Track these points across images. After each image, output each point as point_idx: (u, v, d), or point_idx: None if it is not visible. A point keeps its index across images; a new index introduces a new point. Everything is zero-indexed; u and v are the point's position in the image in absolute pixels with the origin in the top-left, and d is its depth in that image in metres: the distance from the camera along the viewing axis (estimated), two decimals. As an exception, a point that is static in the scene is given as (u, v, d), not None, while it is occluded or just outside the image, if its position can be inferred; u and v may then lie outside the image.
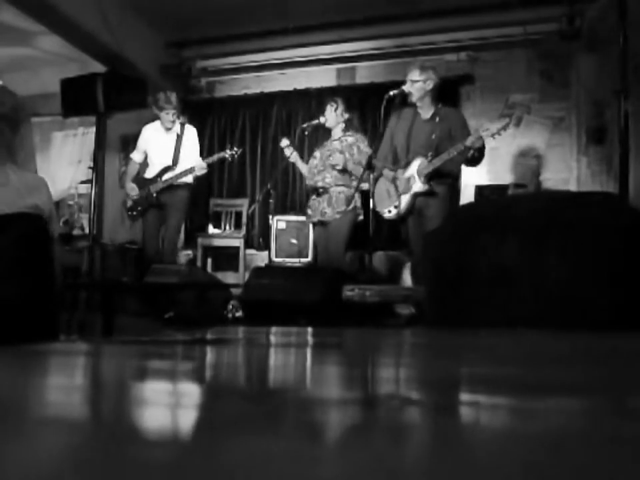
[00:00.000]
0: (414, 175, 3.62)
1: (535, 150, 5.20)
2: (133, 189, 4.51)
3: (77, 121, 6.32)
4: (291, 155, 4.37)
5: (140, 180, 4.57)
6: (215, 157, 4.58)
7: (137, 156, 4.71)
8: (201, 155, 4.68)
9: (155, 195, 4.46)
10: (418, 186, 3.60)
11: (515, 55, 5.23)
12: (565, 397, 0.49)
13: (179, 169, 4.47)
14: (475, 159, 3.55)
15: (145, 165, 4.66)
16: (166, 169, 4.49)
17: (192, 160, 4.51)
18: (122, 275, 4.89)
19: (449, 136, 3.57)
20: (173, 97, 4.47)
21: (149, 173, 4.57)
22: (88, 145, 6.30)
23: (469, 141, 3.39)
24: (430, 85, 3.65)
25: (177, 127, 4.55)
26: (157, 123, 4.60)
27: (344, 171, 4.11)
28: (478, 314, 1.64)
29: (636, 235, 1.56)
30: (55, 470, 0.25)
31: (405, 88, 3.66)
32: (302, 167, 4.44)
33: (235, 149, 4.57)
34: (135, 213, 4.53)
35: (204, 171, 4.50)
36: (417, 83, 3.64)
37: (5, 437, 0.31)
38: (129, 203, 4.54)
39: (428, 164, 3.56)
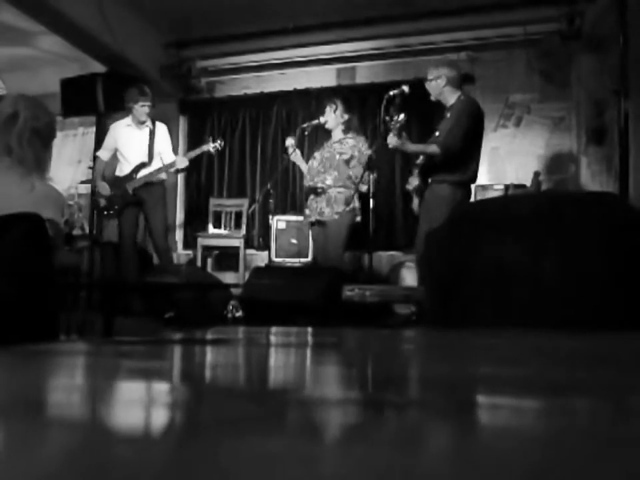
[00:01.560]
0: (411, 174, 3.73)
1: (534, 150, 5.20)
2: (104, 188, 4.42)
3: (77, 121, 6.33)
4: (293, 153, 4.38)
5: (113, 178, 4.48)
6: (198, 150, 4.54)
7: (104, 154, 4.59)
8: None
9: (132, 192, 4.38)
10: (410, 185, 3.71)
11: (515, 55, 5.23)
12: (565, 396, 0.49)
13: (154, 166, 4.40)
14: (430, 159, 3.54)
15: (114, 163, 4.57)
16: (141, 166, 4.41)
17: (166, 156, 4.46)
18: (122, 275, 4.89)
19: (452, 127, 3.51)
20: (147, 90, 4.40)
21: (122, 171, 4.47)
22: (88, 145, 6.30)
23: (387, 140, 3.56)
24: (443, 82, 3.61)
25: (149, 123, 4.46)
26: (128, 119, 4.49)
27: (347, 171, 4.16)
28: (478, 314, 1.64)
29: (636, 235, 1.56)
30: (55, 470, 0.25)
31: (426, 87, 3.69)
32: (302, 166, 4.46)
33: (218, 141, 4.53)
34: (111, 212, 4.43)
35: (185, 164, 4.44)
36: (431, 82, 3.65)
37: (5, 437, 0.31)
38: (103, 202, 4.44)
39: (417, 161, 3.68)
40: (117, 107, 4.70)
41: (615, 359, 0.82)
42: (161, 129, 4.54)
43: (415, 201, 3.75)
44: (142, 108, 4.37)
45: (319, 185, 4.21)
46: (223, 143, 4.58)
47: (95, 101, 4.61)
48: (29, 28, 5.29)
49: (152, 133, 4.44)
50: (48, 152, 1.91)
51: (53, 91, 5.03)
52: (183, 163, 4.42)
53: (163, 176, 4.48)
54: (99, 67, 5.19)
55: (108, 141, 4.59)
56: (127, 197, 4.38)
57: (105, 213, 4.46)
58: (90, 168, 5.56)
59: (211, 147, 4.48)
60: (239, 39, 5.68)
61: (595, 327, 1.38)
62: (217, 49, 5.89)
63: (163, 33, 5.69)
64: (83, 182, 6.50)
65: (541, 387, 0.53)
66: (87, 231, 5.52)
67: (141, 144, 4.44)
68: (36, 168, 1.84)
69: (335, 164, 4.18)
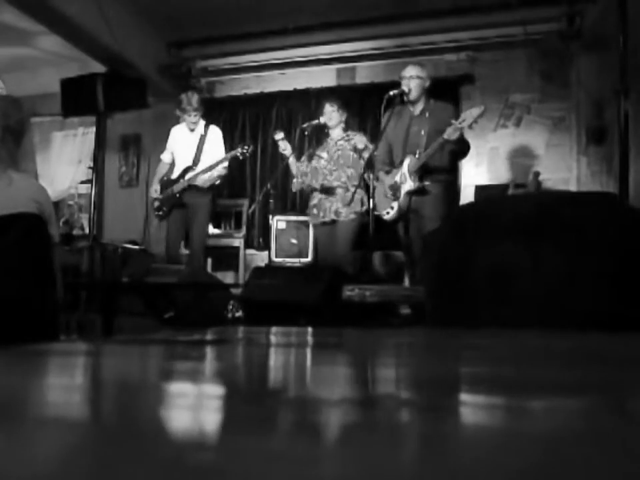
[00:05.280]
0: (405, 174, 3.62)
1: (534, 150, 5.20)
2: (156, 190, 4.60)
3: (76, 121, 6.33)
4: (286, 148, 4.33)
5: (165, 181, 4.65)
6: (228, 155, 4.60)
7: (165, 156, 4.77)
8: None
9: (177, 195, 4.52)
10: (409, 184, 3.59)
11: (514, 55, 5.23)
12: (564, 397, 0.49)
13: (199, 169, 4.52)
14: (458, 152, 3.53)
15: (173, 165, 4.76)
16: (187, 170, 4.54)
17: (216, 159, 4.56)
18: (122, 275, 4.90)
19: (438, 131, 3.49)
20: (194, 99, 4.52)
21: (174, 174, 4.65)
22: (88, 145, 6.30)
23: (446, 134, 3.35)
24: (427, 83, 3.68)
25: (201, 128, 4.60)
26: (183, 124, 4.66)
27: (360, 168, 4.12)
28: (478, 314, 1.64)
29: (636, 235, 1.56)
30: (55, 470, 0.25)
31: (404, 84, 3.66)
32: (292, 164, 4.39)
33: (246, 147, 4.58)
34: (161, 213, 4.62)
35: (224, 172, 4.59)
36: (419, 80, 3.65)
37: (5, 437, 0.31)
38: (156, 204, 4.63)
39: (416, 161, 3.56)
40: (117, 107, 4.72)
41: (614, 359, 0.82)
42: (214, 133, 4.65)
43: (396, 204, 3.68)
44: (189, 117, 4.52)
45: (335, 183, 4.14)
46: (251, 148, 4.60)
47: (95, 100, 4.62)
48: (29, 28, 5.29)
49: (202, 138, 4.58)
50: (21, 149, 1.92)
51: (53, 91, 5.03)
52: (221, 170, 4.53)
53: (210, 181, 4.57)
54: (99, 67, 5.19)
55: (168, 144, 4.76)
56: (173, 200, 4.53)
57: (157, 213, 4.66)
58: (90, 168, 5.56)
59: (239, 152, 4.53)
60: (239, 39, 5.68)
61: (594, 327, 1.38)
62: (217, 49, 5.89)
63: (163, 33, 5.69)
64: (82, 182, 6.51)
65: (540, 387, 0.53)
66: (87, 231, 5.53)
67: (191, 148, 4.58)
68: (11, 163, 1.84)
69: (350, 161, 4.14)
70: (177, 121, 4.71)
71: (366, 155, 4.03)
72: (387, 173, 3.76)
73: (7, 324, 1.55)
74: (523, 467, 0.26)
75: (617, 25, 3.60)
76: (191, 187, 4.49)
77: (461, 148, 3.53)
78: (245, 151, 4.52)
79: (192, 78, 5.99)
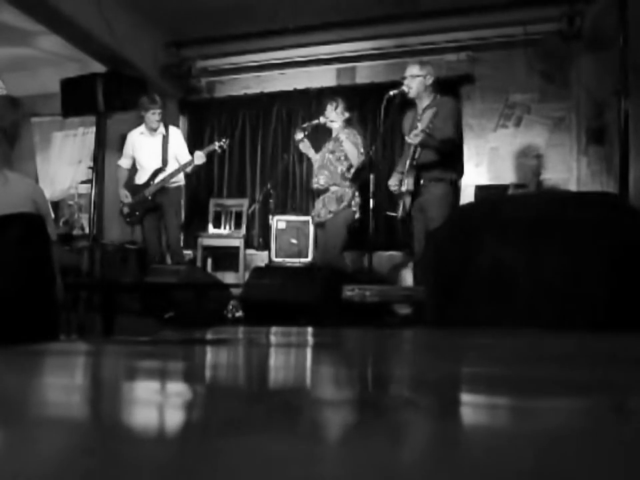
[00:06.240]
0: (405, 174, 3.65)
1: (535, 150, 5.20)
2: (126, 196, 4.57)
3: (77, 120, 6.32)
4: (302, 143, 4.40)
5: (132, 186, 4.61)
6: (210, 147, 4.64)
7: (124, 162, 4.74)
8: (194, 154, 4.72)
9: (150, 198, 4.51)
10: (405, 185, 3.62)
11: (514, 55, 5.22)
12: (565, 396, 0.49)
13: (169, 170, 4.52)
14: (444, 154, 3.51)
15: (133, 170, 4.70)
16: (157, 172, 4.54)
17: (182, 158, 4.58)
18: (122, 275, 4.90)
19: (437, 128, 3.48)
20: (157, 98, 4.56)
21: (140, 178, 4.61)
22: (88, 145, 6.29)
23: (409, 138, 3.43)
24: (430, 80, 3.68)
25: (162, 129, 4.61)
26: (142, 127, 4.64)
27: (338, 169, 4.18)
28: (478, 314, 1.64)
29: (636, 235, 1.56)
30: (55, 470, 0.25)
31: (405, 84, 3.66)
32: (311, 154, 4.48)
33: (223, 140, 4.63)
34: (133, 218, 4.59)
35: (203, 160, 4.55)
36: (418, 78, 3.65)
37: (5, 437, 0.31)
38: (126, 210, 4.60)
39: (410, 161, 3.58)
40: (117, 107, 4.71)
41: (614, 359, 0.82)
42: (175, 133, 4.67)
43: (402, 203, 3.68)
44: (153, 115, 4.51)
45: (315, 186, 4.29)
46: (227, 142, 4.68)
47: (95, 100, 4.61)
48: (29, 28, 5.28)
49: (165, 139, 4.57)
50: (17, 148, 1.94)
51: (53, 91, 5.02)
52: (200, 159, 4.52)
53: (181, 181, 4.60)
54: (99, 67, 5.18)
55: (126, 150, 4.73)
56: (146, 203, 4.52)
57: (128, 219, 4.62)
58: (90, 168, 5.56)
59: (217, 146, 4.56)
60: (239, 39, 5.67)
61: (594, 327, 1.38)
62: (217, 48, 5.89)
63: (163, 33, 5.68)
64: (83, 182, 6.49)
65: (540, 387, 0.53)
66: (87, 231, 5.52)
67: (155, 150, 4.56)
68: (5, 163, 1.86)
69: (326, 163, 4.23)
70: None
71: (349, 146, 4.09)
72: (400, 173, 3.79)
73: (6, 323, 1.55)
74: (523, 466, 0.26)
75: (616, 25, 3.60)
76: (163, 188, 4.51)
77: (438, 148, 3.49)
78: (222, 144, 4.57)
79: (192, 78, 5.98)
